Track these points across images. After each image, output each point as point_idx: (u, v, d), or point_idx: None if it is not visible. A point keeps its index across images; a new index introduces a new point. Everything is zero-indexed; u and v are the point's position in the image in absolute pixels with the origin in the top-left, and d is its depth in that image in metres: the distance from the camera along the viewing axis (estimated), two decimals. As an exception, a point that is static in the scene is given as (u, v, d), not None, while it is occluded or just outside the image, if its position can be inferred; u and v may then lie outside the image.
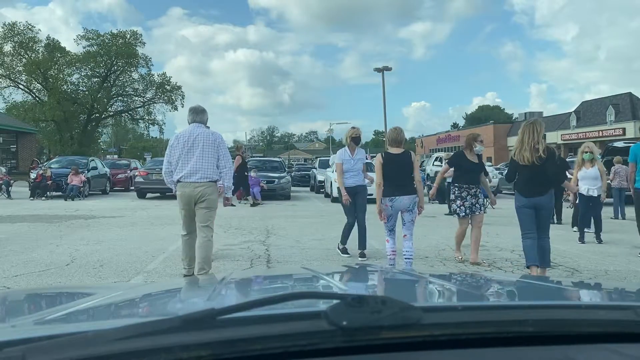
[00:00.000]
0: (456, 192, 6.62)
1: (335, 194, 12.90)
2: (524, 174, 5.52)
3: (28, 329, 1.00)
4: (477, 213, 6.56)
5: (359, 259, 6.69)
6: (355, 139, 6.93)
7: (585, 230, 8.54)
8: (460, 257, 6.74)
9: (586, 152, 8.51)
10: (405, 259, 5.72)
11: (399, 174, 5.65)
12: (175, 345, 0.71)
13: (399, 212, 5.71)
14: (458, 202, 6.58)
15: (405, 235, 5.73)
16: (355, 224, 6.94)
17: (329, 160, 20.49)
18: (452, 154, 8.22)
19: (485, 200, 6.91)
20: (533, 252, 5.43)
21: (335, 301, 0.77)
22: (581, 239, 8.38)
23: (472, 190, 6.56)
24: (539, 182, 5.45)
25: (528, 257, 5.47)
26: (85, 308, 1.22)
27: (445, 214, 12.32)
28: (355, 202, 6.86)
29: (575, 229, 9.20)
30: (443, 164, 13.07)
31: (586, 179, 8.43)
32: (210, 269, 5.42)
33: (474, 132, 7.41)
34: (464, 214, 6.55)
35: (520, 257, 6.91)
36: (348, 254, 6.96)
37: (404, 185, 5.64)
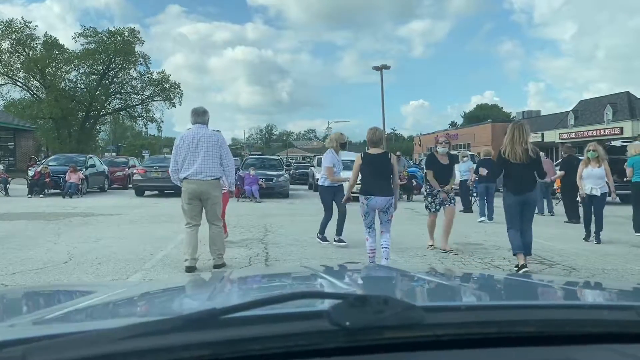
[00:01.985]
0: (427, 190, 7.46)
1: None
2: (513, 172, 5.86)
3: (28, 328, 1.00)
4: (447, 206, 7.29)
5: (334, 242, 7.50)
6: (343, 145, 7.70)
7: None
8: (431, 244, 7.43)
9: (589, 151, 8.40)
10: (383, 248, 5.90)
11: (375, 174, 5.84)
12: (177, 345, 0.70)
13: (376, 211, 5.91)
14: (429, 199, 7.37)
15: (382, 231, 5.96)
16: (333, 214, 7.68)
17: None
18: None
19: (454, 194, 7.60)
20: (518, 241, 5.91)
21: (337, 301, 0.77)
22: (587, 237, 8.39)
23: (442, 188, 7.22)
24: (528, 180, 5.85)
25: (514, 245, 5.95)
26: (86, 307, 1.21)
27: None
28: (335, 199, 7.62)
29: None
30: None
31: (591, 178, 8.30)
32: (225, 253, 6.08)
33: (442, 134, 8.30)
34: (434, 209, 7.33)
35: (518, 256, 6.94)
36: (327, 240, 7.62)
37: (380, 185, 5.81)
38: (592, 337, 0.86)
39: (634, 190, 9.15)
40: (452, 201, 7.37)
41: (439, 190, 7.19)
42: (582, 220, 10.68)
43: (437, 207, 7.29)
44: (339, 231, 7.58)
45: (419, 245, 7.72)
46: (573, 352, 0.83)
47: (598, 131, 39.21)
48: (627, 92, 40.29)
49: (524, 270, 5.66)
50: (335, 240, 7.55)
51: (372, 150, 5.98)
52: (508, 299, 1.32)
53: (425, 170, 7.74)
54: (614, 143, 17.23)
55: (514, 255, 5.99)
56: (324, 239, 7.68)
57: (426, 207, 7.49)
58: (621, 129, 37.59)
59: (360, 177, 5.99)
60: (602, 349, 0.85)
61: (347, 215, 7.61)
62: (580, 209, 11.18)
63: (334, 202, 7.68)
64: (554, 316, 0.89)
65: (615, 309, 1.02)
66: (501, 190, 11.60)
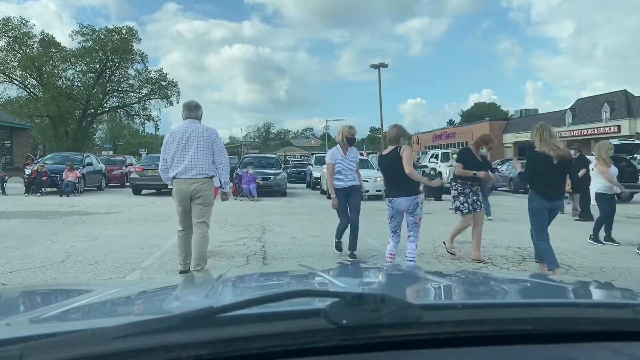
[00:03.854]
0: (459, 189, 6.57)
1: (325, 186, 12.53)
2: (547, 175, 5.33)
3: (25, 327, 1.00)
4: (478, 210, 6.56)
5: (349, 259, 6.57)
6: (350, 140, 6.73)
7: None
8: (455, 251, 6.65)
9: (611, 149, 8.13)
10: (407, 260, 5.51)
11: (391, 174, 5.53)
12: (174, 344, 0.70)
13: (403, 214, 5.52)
14: (461, 198, 6.53)
15: (409, 236, 5.55)
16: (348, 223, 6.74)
17: (325, 157, 20.51)
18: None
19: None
20: (553, 255, 5.37)
21: (334, 299, 0.77)
22: (611, 240, 8.08)
23: (475, 188, 6.54)
24: (560, 184, 5.38)
25: (550, 261, 5.36)
26: (83, 306, 1.21)
27: (450, 209, 12.32)
28: (348, 202, 6.71)
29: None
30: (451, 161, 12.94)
31: (614, 177, 8.02)
32: (206, 265, 5.44)
33: (488, 134, 7.32)
34: (467, 210, 6.51)
35: (515, 254, 6.95)
36: (341, 249, 6.79)
37: (400, 185, 5.44)
38: (589, 335, 0.86)
39: None
40: (482, 205, 6.71)
41: (473, 188, 6.51)
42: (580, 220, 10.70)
43: (471, 207, 6.49)
44: (353, 245, 6.64)
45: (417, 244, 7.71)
46: (570, 350, 0.83)
47: (595, 129, 39.29)
48: (625, 91, 40.36)
49: None
50: (349, 256, 6.65)
51: (384, 150, 5.67)
52: (505, 297, 1.32)
53: (455, 164, 6.90)
54: (611, 141, 17.24)
55: (550, 270, 5.39)
56: (338, 244, 6.80)
57: (457, 208, 6.62)
58: (618, 127, 37.68)
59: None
60: (599, 347, 0.85)
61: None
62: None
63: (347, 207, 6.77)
64: (551, 314, 0.89)
65: (613, 307, 1.02)
66: (499, 188, 11.26)
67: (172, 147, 5.26)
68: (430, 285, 1.44)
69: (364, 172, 17.45)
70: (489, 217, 10.76)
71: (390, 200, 5.50)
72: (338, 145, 6.81)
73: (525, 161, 5.85)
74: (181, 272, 5.49)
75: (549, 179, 5.32)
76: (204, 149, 5.23)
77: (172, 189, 5.41)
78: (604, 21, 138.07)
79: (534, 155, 5.39)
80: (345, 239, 6.83)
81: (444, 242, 6.99)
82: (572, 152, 6.80)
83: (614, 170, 8.12)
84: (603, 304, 1.15)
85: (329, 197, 7.20)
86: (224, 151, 5.45)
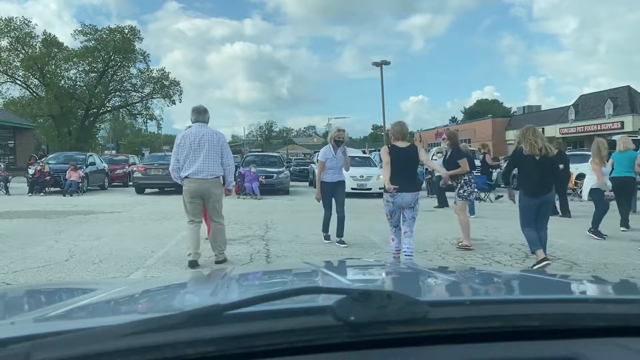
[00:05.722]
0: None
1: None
2: (531, 173, 5.65)
3: (31, 326, 1.00)
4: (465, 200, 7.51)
5: (338, 245, 7.29)
6: (337, 142, 7.41)
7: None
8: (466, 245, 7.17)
9: (607, 148, 8.31)
10: (406, 255, 5.55)
11: (403, 168, 5.50)
12: (181, 342, 0.70)
13: (401, 209, 5.54)
14: (465, 188, 7.34)
15: (405, 232, 5.58)
16: (335, 215, 7.47)
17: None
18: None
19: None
20: (535, 237, 5.74)
21: (341, 296, 0.77)
22: (600, 235, 8.13)
23: (462, 180, 7.35)
24: (546, 180, 5.67)
25: (532, 243, 5.76)
26: (88, 304, 1.21)
27: (435, 207, 12.56)
28: (335, 196, 7.44)
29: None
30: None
31: (607, 175, 8.26)
32: (226, 249, 6.16)
33: (451, 130, 8.24)
34: (460, 199, 7.43)
35: (519, 251, 6.94)
36: (329, 239, 7.51)
37: (407, 180, 5.46)
38: (596, 330, 0.86)
39: (613, 185, 8.82)
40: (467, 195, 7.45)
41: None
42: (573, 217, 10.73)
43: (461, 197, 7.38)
44: (340, 233, 7.37)
45: (420, 241, 7.71)
46: (577, 346, 0.83)
47: (599, 126, 39.18)
48: (628, 87, 40.20)
49: (545, 263, 5.50)
50: (337, 242, 7.35)
51: (399, 144, 5.64)
52: (511, 293, 1.32)
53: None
54: (614, 138, 17.19)
55: (532, 253, 5.80)
56: (327, 237, 7.56)
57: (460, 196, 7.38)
58: (622, 123, 37.56)
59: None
60: (606, 343, 0.85)
61: (347, 211, 7.52)
62: (573, 204, 11.18)
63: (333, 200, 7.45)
64: (558, 310, 0.89)
65: (619, 303, 1.01)
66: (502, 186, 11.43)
67: (184, 149, 5.82)
68: (436, 282, 1.44)
69: (365, 170, 17.43)
70: (472, 215, 10.69)
71: (392, 196, 5.44)
72: (329, 145, 7.51)
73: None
74: (190, 262, 5.76)
75: (532, 176, 5.67)
76: (214, 151, 5.82)
77: (181, 186, 5.96)
78: (607, 17, 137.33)
79: (515, 153, 5.82)
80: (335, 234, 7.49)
81: (459, 244, 7.32)
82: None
83: (608, 167, 8.31)
84: (610, 299, 1.14)
85: None
86: (230, 153, 6.12)
